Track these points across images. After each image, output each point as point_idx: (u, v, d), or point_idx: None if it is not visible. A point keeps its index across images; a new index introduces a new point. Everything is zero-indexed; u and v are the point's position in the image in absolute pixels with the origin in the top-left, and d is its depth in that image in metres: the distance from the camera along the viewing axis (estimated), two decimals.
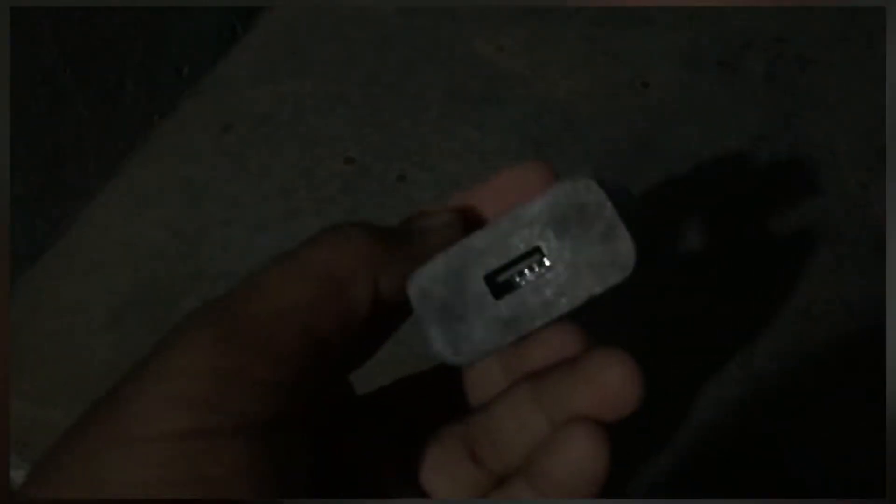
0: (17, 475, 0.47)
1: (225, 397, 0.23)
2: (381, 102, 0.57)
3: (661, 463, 0.44)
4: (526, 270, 0.26)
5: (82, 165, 0.54)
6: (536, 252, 0.26)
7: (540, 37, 0.59)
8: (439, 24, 0.60)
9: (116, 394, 0.24)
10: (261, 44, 0.61)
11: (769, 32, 0.59)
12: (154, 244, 0.53)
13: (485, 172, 0.54)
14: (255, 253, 0.52)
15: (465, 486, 0.29)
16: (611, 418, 0.26)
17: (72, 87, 0.51)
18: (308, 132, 0.57)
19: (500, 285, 0.26)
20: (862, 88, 0.56)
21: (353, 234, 0.26)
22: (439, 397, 0.30)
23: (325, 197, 0.54)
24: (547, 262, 0.26)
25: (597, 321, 0.32)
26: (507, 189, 0.28)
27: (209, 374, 0.23)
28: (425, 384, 0.30)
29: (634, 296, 0.48)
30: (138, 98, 0.55)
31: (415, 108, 0.57)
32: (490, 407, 0.29)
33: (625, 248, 0.25)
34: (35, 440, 0.48)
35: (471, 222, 0.29)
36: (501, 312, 0.26)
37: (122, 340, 0.50)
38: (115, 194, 0.55)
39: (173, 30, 0.56)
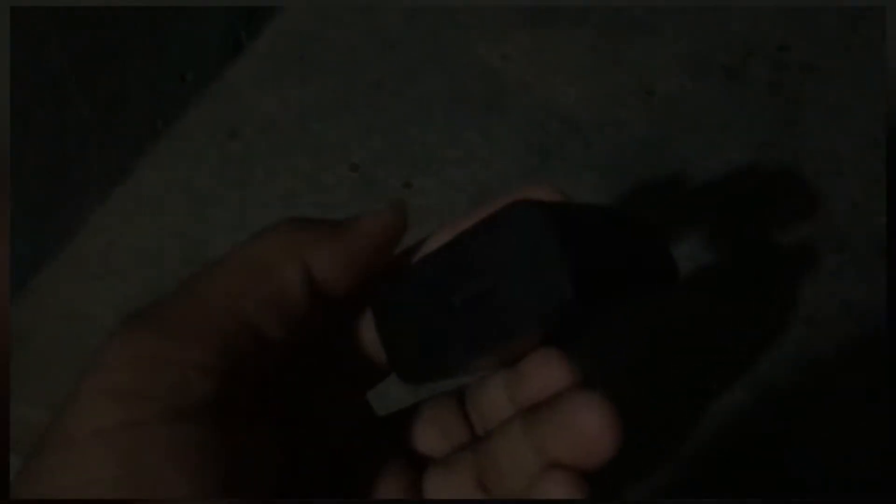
0: None
1: (150, 385, 0.23)
2: (386, 109, 0.58)
3: (665, 464, 0.44)
4: (473, 294, 0.25)
5: (87, 170, 0.54)
6: (482, 275, 0.25)
7: (544, 44, 0.60)
8: (444, 31, 0.61)
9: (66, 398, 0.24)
10: (266, 51, 0.61)
11: (773, 40, 0.59)
12: (161, 249, 0.54)
13: (490, 179, 0.55)
14: None
15: None
16: (588, 465, 0.25)
17: (77, 92, 0.52)
18: (313, 139, 0.57)
19: (451, 309, 0.25)
20: (865, 95, 0.56)
21: (281, 226, 0.27)
22: (452, 423, 0.30)
23: (330, 203, 0.54)
24: (492, 287, 0.24)
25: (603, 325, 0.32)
26: None
27: (134, 364, 0.23)
28: (440, 408, 0.30)
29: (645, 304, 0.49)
30: (142, 104, 0.56)
31: (420, 115, 0.57)
32: (491, 438, 0.29)
33: (561, 275, 0.23)
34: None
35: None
36: (452, 336, 0.25)
37: None
38: (123, 200, 0.55)
39: (177, 37, 0.57)
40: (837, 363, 0.47)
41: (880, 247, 0.50)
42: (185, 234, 0.54)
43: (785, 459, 0.43)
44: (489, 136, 0.56)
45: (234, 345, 0.25)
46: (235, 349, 0.25)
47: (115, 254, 0.54)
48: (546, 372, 0.26)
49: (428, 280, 0.26)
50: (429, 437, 0.30)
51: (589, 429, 0.25)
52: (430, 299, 0.26)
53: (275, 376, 0.27)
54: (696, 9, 0.61)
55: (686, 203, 0.53)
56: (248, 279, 0.26)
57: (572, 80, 0.58)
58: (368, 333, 0.29)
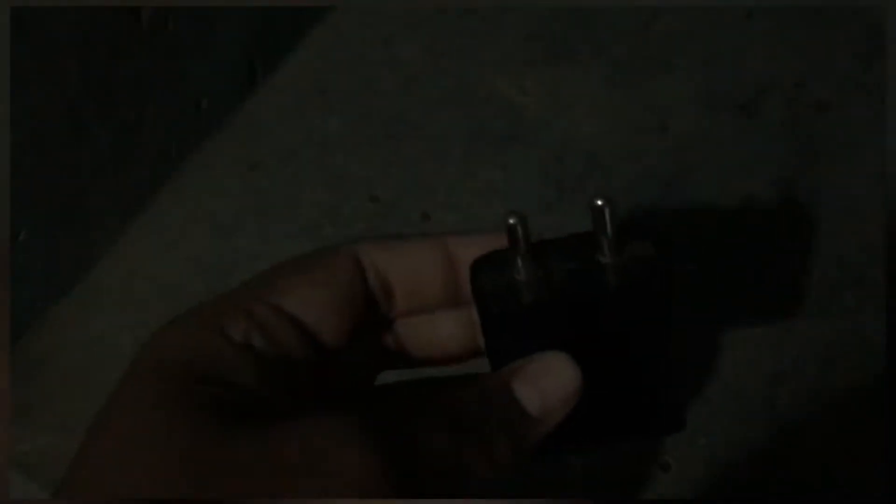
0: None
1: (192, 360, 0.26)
2: (405, 142, 0.58)
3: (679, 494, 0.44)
4: None
5: (103, 197, 0.54)
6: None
7: (563, 79, 0.60)
8: (464, 65, 0.61)
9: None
10: (287, 83, 0.62)
11: (787, 78, 0.60)
12: (181, 279, 0.54)
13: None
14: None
15: None
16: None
17: (93, 119, 0.52)
18: (334, 170, 0.58)
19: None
20: (879, 133, 0.57)
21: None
22: None
23: (350, 234, 0.55)
24: None
25: None
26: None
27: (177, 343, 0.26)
28: None
29: None
30: (157, 131, 0.56)
31: (439, 149, 0.58)
32: None
33: None
34: (59, 472, 0.48)
35: None
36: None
37: None
38: (143, 229, 0.56)
39: (192, 65, 0.57)
40: (854, 400, 0.47)
41: None
42: (205, 263, 0.55)
43: (800, 497, 0.43)
44: (508, 169, 0.57)
45: (278, 334, 0.27)
46: (280, 339, 0.27)
47: (135, 283, 0.54)
48: None
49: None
50: None
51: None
52: None
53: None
54: (711, 45, 0.62)
55: (700, 238, 0.54)
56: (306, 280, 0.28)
57: (590, 115, 0.59)
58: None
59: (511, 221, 0.27)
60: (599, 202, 0.27)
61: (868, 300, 0.50)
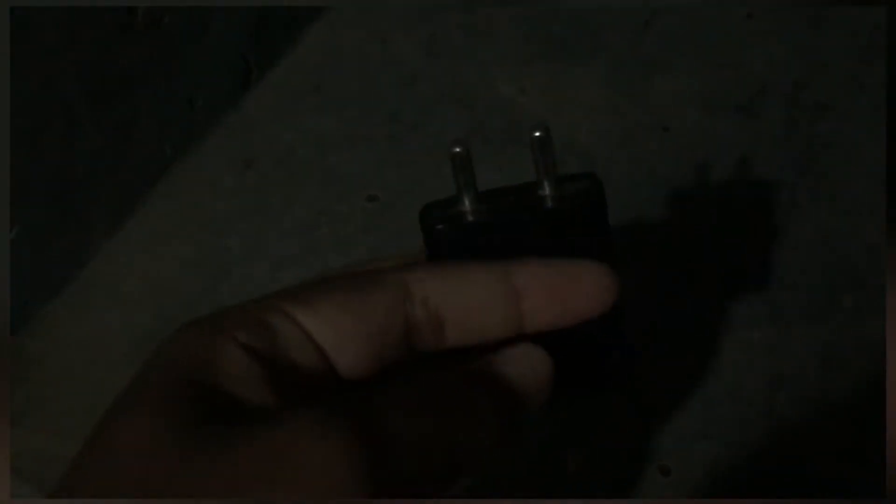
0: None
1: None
2: (403, 141, 0.58)
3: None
4: None
5: (96, 196, 0.54)
6: None
7: (561, 78, 0.60)
8: (462, 64, 0.61)
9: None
10: (282, 81, 0.61)
11: (787, 79, 0.60)
12: (175, 279, 0.53)
13: None
14: (275, 289, 0.52)
15: None
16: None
17: (87, 117, 0.52)
18: (330, 169, 0.57)
19: None
20: (879, 135, 0.56)
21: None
22: None
23: (346, 234, 0.54)
24: None
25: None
26: None
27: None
28: None
29: (657, 342, 0.49)
30: (150, 129, 0.56)
31: (437, 148, 0.57)
32: None
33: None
34: (53, 474, 0.47)
35: None
36: None
37: None
38: (137, 229, 0.55)
39: (185, 62, 0.57)
40: (855, 403, 0.47)
41: None
42: (199, 263, 0.54)
43: (801, 502, 0.43)
44: (506, 169, 0.56)
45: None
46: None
47: (128, 282, 0.54)
48: None
49: None
50: None
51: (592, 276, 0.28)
52: None
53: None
54: (711, 46, 0.61)
55: (700, 240, 0.53)
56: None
57: (588, 115, 0.58)
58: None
59: (456, 150, 0.30)
60: (538, 133, 0.29)
61: (866, 302, 0.50)
